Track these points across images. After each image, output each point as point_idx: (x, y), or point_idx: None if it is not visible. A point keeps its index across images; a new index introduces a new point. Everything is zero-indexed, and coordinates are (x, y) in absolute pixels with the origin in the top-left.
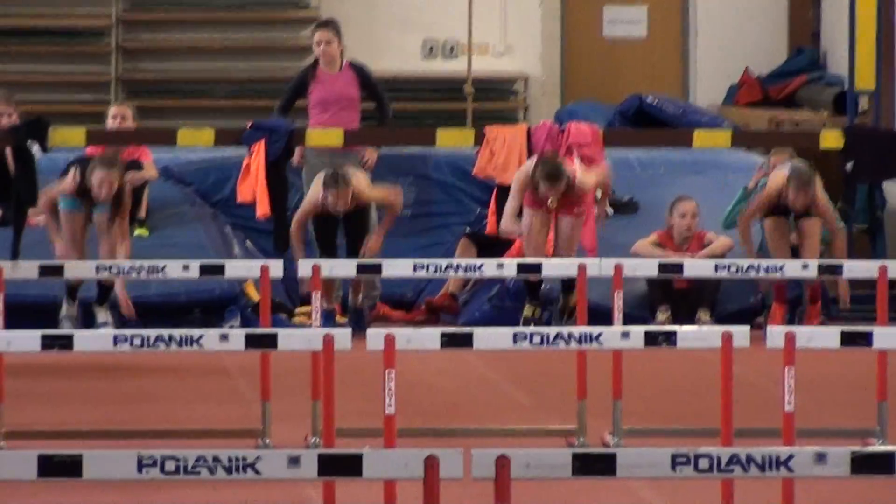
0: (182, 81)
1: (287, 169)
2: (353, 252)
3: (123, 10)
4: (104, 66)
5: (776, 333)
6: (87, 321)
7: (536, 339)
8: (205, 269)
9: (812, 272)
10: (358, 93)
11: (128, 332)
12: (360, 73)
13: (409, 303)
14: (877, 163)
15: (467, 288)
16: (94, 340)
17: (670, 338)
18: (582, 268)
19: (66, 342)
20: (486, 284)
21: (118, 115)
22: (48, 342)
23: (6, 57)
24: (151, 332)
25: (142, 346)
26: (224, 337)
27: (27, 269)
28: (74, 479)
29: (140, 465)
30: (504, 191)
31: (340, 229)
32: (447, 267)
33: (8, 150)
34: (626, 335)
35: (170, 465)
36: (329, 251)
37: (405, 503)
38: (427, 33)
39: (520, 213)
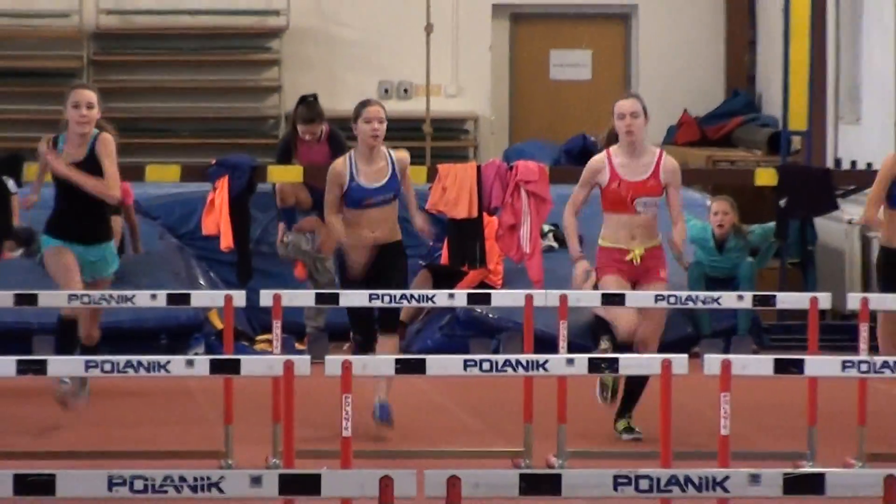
0: (150, 120)
1: (249, 203)
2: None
3: (94, 52)
4: None
5: (713, 361)
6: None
7: (486, 365)
8: (171, 299)
9: (747, 303)
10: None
11: (98, 358)
12: (334, 143)
13: None
14: (808, 200)
15: (420, 317)
16: (66, 365)
17: (613, 365)
18: (529, 298)
19: (39, 367)
20: (437, 314)
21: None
22: (23, 367)
23: None
24: (121, 359)
25: (112, 371)
26: (189, 363)
27: (3, 298)
28: (48, 497)
29: (110, 484)
30: (455, 224)
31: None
32: (401, 297)
33: None
34: (570, 362)
35: (138, 484)
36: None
37: None
38: (382, 75)
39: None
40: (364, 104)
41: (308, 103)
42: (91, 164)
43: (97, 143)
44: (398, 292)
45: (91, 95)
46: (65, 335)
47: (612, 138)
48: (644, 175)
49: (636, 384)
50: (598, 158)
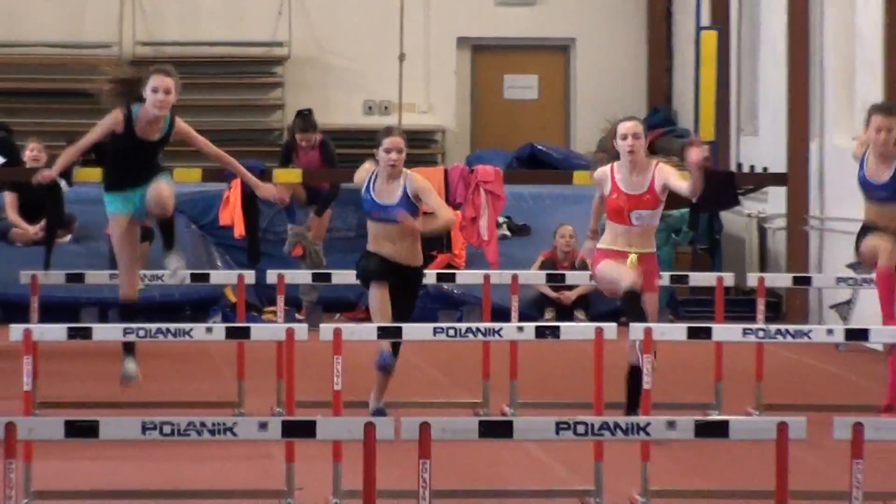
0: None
1: (258, 200)
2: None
3: None
4: None
5: (637, 329)
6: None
7: (451, 332)
8: (194, 277)
9: (665, 281)
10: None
11: (134, 325)
12: (325, 149)
13: (353, 304)
14: (715, 197)
15: None
16: (108, 332)
17: (555, 332)
18: (487, 277)
19: (86, 333)
20: None
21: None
22: (72, 333)
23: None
24: (153, 326)
25: (145, 336)
26: (209, 329)
27: (56, 277)
28: (92, 439)
29: (144, 429)
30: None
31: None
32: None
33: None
34: (520, 329)
35: (166, 429)
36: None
37: (349, 459)
38: (367, 95)
39: None
40: (386, 133)
41: (303, 116)
42: (163, 143)
43: (175, 129)
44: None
45: (170, 82)
46: (128, 318)
47: (606, 156)
48: (641, 190)
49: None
50: (603, 170)
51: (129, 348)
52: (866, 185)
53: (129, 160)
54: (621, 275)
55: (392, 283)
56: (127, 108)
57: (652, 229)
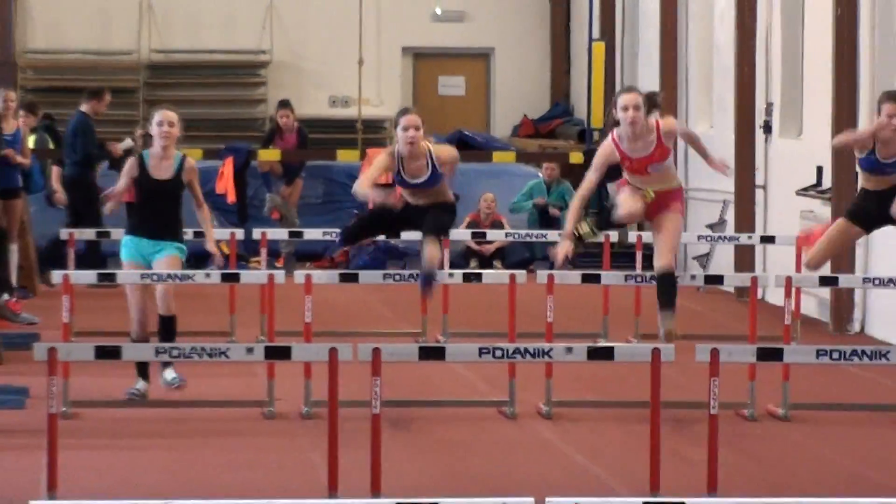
0: (183, 121)
1: (246, 173)
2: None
3: (147, 77)
4: (134, 111)
5: (542, 275)
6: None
7: (397, 277)
8: (196, 234)
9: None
10: (297, 144)
11: (150, 272)
12: (300, 134)
13: (319, 255)
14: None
15: (355, 246)
16: (129, 277)
17: (478, 277)
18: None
19: (112, 277)
20: (367, 245)
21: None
22: (101, 278)
23: None
24: (164, 272)
25: (159, 280)
26: (207, 275)
27: (88, 233)
28: (116, 360)
29: (157, 352)
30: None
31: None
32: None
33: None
34: (451, 275)
35: (174, 352)
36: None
37: (317, 376)
38: (331, 91)
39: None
40: (403, 112)
41: (282, 101)
42: (176, 185)
43: (184, 167)
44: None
45: (173, 115)
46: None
47: (612, 124)
48: (648, 151)
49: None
50: (607, 144)
51: (141, 371)
52: (876, 165)
53: (149, 202)
54: (621, 202)
55: (409, 214)
56: (139, 156)
57: (668, 172)
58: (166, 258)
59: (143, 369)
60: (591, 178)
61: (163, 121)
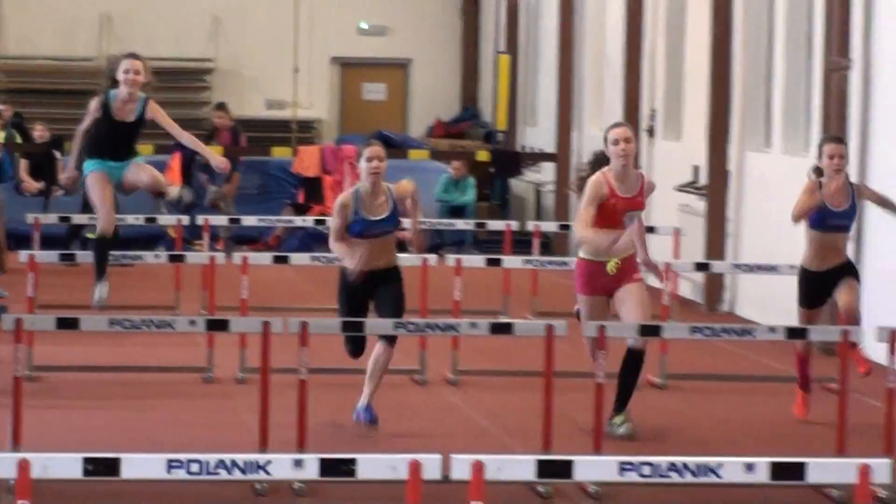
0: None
1: (192, 166)
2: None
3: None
4: None
5: (451, 258)
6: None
7: (324, 259)
8: (147, 220)
9: (471, 226)
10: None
11: (116, 252)
12: (234, 133)
13: (255, 239)
14: (505, 168)
15: (284, 233)
16: (87, 256)
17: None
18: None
19: (72, 258)
20: (296, 230)
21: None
22: (62, 257)
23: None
24: (118, 253)
25: (113, 262)
26: (157, 256)
27: (52, 218)
28: (75, 330)
29: (111, 323)
30: (307, 180)
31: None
32: (277, 221)
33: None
34: None
35: (126, 324)
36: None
37: (251, 346)
38: (269, 95)
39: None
40: (367, 144)
41: (217, 104)
42: (138, 125)
43: (147, 108)
44: (274, 217)
45: (139, 64)
46: (105, 248)
47: (598, 162)
48: (633, 192)
49: (628, 378)
50: (598, 179)
51: (100, 274)
52: (827, 215)
53: (109, 140)
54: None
55: (371, 287)
56: (104, 94)
57: (638, 229)
58: (132, 167)
59: (101, 272)
60: (589, 211)
61: (129, 69)
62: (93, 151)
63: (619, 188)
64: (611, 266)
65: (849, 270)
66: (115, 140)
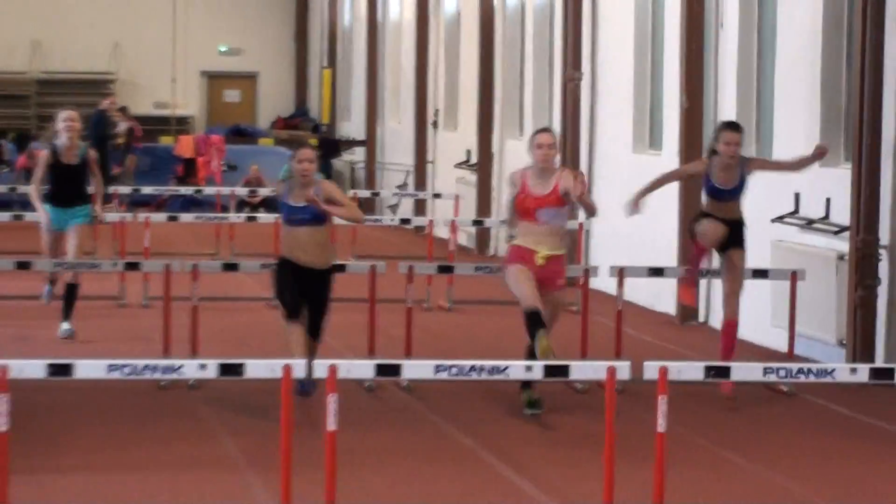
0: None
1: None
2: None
3: (37, 89)
4: (28, 110)
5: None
6: None
7: (202, 218)
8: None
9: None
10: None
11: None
12: (131, 133)
13: (150, 202)
14: (329, 151)
15: (169, 198)
16: (47, 264)
17: (255, 219)
18: (218, 191)
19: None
20: (178, 196)
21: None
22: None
23: None
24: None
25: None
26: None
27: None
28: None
29: (55, 265)
30: (184, 160)
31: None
32: (165, 190)
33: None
34: (238, 217)
35: (66, 265)
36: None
37: (154, 282)
38: (156, 98)
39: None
40: (299, 145)
41: (120, 107)
42: (83, 169)
43: (87, 156)
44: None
45: (74, 114)
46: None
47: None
48: (546, 191)
49: None
50: (515, 172)
51: (67, 313)
52: (716, 192)
53: (62, 181)
54: (523, 295)
55: (304, 287)
56: (52, 145)
57: (560, 230)
58: (75, 228)
59: (68, 311)
60: (511, 193)
61: (66, 118)
62: (50, 195)
63: (533, 186)
64: (538, 257)
65: (735, 239)
66: (67, 182)
